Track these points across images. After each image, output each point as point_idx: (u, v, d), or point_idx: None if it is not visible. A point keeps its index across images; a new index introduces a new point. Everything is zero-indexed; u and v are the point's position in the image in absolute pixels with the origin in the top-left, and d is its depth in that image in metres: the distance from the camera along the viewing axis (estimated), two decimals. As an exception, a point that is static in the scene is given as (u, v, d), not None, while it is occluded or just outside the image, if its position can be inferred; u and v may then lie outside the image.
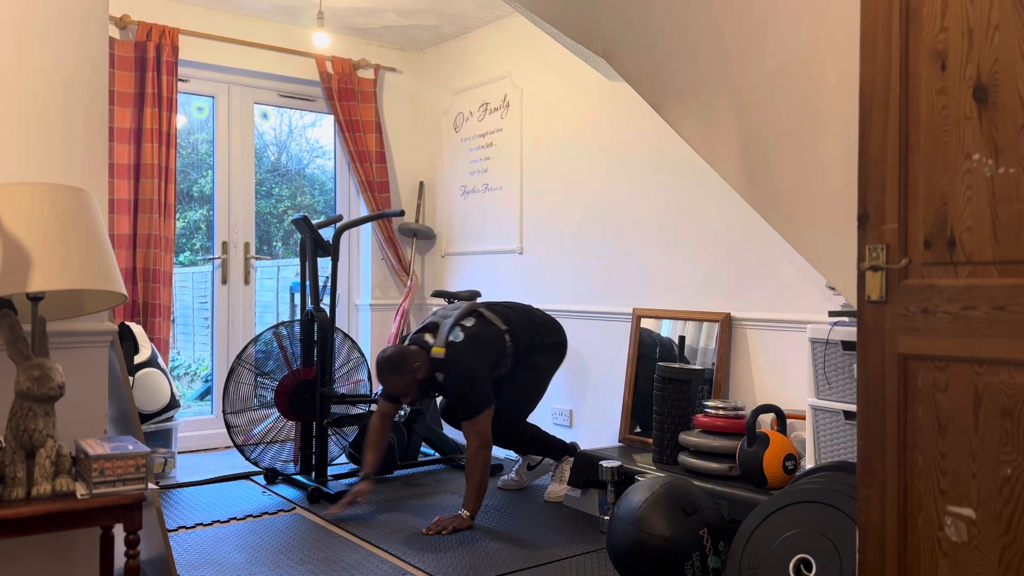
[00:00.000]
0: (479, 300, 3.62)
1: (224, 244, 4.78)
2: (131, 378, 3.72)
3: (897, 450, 1.55)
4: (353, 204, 5.25)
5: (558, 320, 3.96)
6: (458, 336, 3.34)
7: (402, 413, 4.20)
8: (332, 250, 3.93)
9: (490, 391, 3.29)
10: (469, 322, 3.41)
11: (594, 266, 4.09)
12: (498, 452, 4.57)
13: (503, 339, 3.44)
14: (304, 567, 2.78)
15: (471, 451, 3.23)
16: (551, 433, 3.89)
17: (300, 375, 3.90)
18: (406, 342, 3.45)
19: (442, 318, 3.46)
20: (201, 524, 3.27)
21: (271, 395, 3.94)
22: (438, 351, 3.32)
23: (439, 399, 4.49)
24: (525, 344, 3.51)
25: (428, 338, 3.39)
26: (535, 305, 4.42)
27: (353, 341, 4.32)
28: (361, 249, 5.26)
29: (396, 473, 4.15)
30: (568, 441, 4.01)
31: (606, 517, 3.16)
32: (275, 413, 4.00)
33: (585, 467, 3.36)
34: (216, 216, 4.76)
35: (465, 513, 3.21)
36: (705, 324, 3.47)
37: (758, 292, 3.33)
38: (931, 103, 1.52)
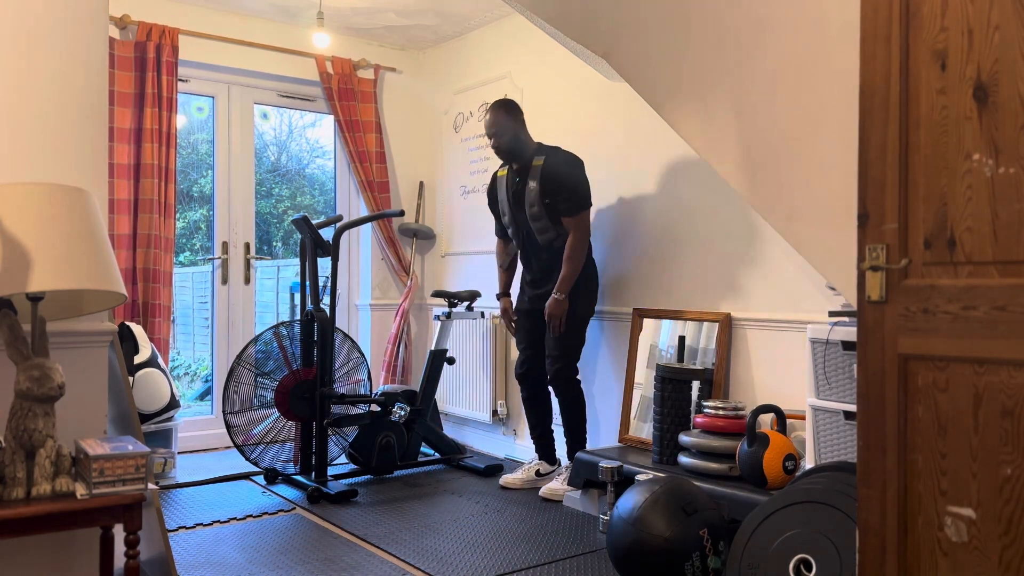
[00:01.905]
0: None
1: (224, 244, 4.78)
2: (131, 378, 3.71)
3: (897, 450, 1.55)
4: (353, 204, 5.25)
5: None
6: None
7: (402, 413, 4.20)
8: (332, 250, 3.93)
9: (586, 192, 3.61)
10: None
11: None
12: (498, 452, 4.57)
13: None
14: (304, 567, 2.78)
15: (574, 240, 3.56)
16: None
17: (300, 375, 3.90)
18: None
19: None
20: (201, 524, 3.27)
21: (271, 395, 3.94)
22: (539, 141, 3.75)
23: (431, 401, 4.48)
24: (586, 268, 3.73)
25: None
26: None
27: (353, 341, 4.32)
28: (361, 249, 5.26)
29: (396, 473, 4.15)
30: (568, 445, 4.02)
31: (606, 517, 3.16)
32: (275, 413, 4.00)
33: (585, 467, 3.36)
34: (216, 216, 4.76)
35: (559, 295, 3.56)
36: (705, 324, 3.47)
37: (758, 292, 3.33)
38: (931, 103, 1.52)
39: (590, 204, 3.62)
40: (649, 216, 3.81)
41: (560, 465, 3.87)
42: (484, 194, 4.81)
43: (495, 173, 3.92)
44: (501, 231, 3.98)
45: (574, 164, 3.63)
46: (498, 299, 4.02)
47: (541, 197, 3.60)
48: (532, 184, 3.62)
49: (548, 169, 3.60)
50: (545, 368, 3.75)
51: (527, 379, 3.81)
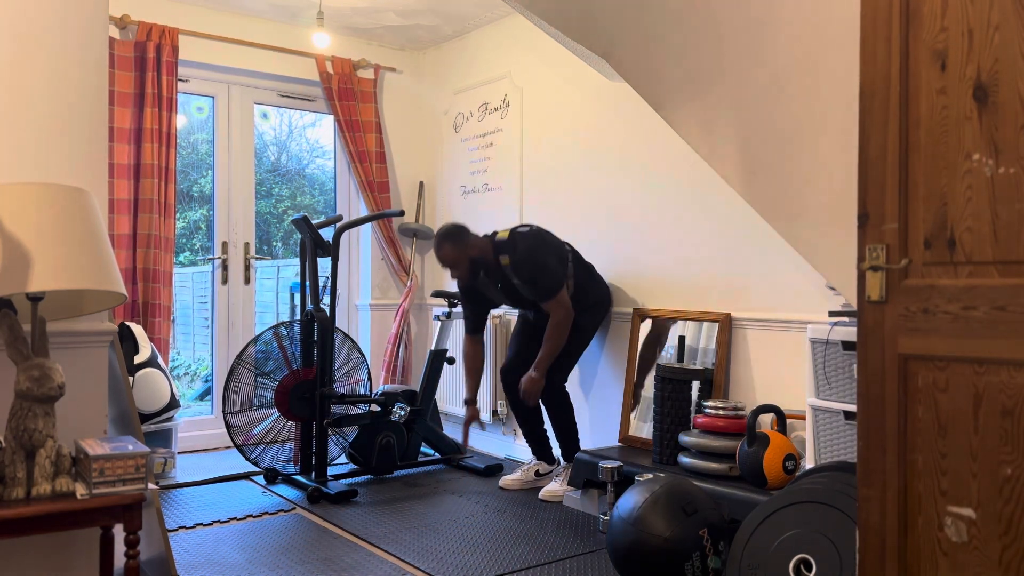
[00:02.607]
0: None
1: (224, 244, 4.78)
2: (131, 378, 3.71)
3: (897, 450, 1.55)
4: (353, 204, 5.25)
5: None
6: (525, 229, 3.56)
7: (401, 413, 4.20)
8: (332, 250, 3.93)
9: (560, 273, 3.48)
10: (533, 225, 3.63)
11: (594, 266, 4.09)
12: (498, 452, 4.57)
13: (566, 252, 3.61)
14: (304, 567, 2.78)
15: (555, 319, 3.46)
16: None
17: (300, 375, 3.90)
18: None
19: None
20: (201, 524, 3.27)
21: (271, 395, 3.94)
22: (503, 234, 3.55)
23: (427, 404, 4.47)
24: (581, 278, 3.65)
25: (496, 231, 3.64)
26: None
27: (353, 341, 4.32)
28: (361, 249, 5.26)
29: (396, 473, 4.15)
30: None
31: (606, 517, 3.16)
32: (275, 413, 4.00)
33: (585, 467, 3.36)
34: (216, 216, 4.76)
35: (535, 373, 3.48)
36: (705, 324, 3.47)
37: (758, 292, 3.33)
38: (931, 103, 1.52)
39: (563, 282, 3.50)
40: (649, 216, 3.81)
41: (559, 465, 3.87)
42: (484, 194, 4.81)
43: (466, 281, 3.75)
44: (474, 327, 3.76)
45: (536, 250, 3.48)
46: (465, 405, 3.75)
47: (525, 285, 3.54)
48: (516, 280, 3.54)
49: (516, 266, 3.49)
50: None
51: (507, 381, 3.82)
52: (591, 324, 3.71)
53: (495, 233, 3.61)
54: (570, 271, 3.61)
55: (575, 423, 3.74)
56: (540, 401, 3.70)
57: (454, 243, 3.51)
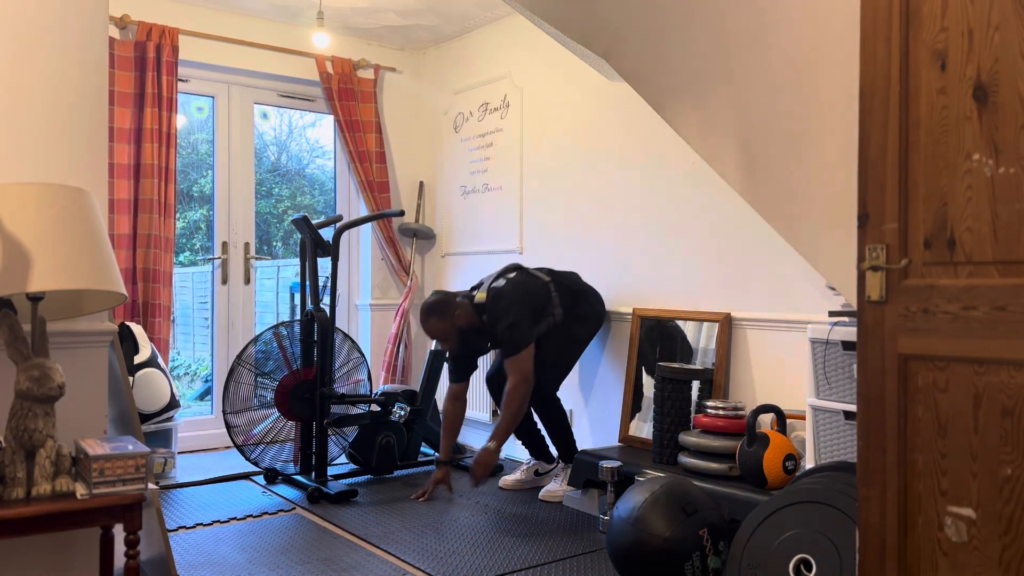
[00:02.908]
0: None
1: (224, 244, 4.78)
2: (131, 378, 3.71)
3: (897, 450, 1.55)
4: (353, 204, 5.25)
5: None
6: (501, 283, 3.50)
7: (401, 413, 4.20)
8: (332, 250, 3.93)
9: (531, 331, 3.42)
10: (512, 274, 3.56)
11: (594, 266, 4.09)
12: (498, 452, 4.57)
13: (547, 289, 3.59)
14: (304, 567, 2.78)
15: (511, 385, 3.34)
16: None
17: (300, 375, 3.90)
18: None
19: (488, 277, 3.63)
20: (201, 524, 3.27)
21: (271, 395, 3.94)
22: (481, 296, 3.49)
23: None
24: (569, 299, 3.64)
25: (474, 292, 3.57)
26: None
27: (353, 341, 4.32)
28: (361, 249, 5.26)
29: (396, 473, 4.15)
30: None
31: (606, 517, 3.16)
32: (275, 413, 4.00)
33: (585, 467, 3.36)
34: (216, 216, 4.76)
35: (492, 444, 3.33)
36: (705, 324, 3.47)
37: (758, 292, 3.33)
38: (931, 103, 1.52)
39: (529, 341, 3.38)
40: (649, 216, 3.81)
41: (559, 464, 3.86)
42: (484, 194, 4.81)
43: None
44: (460, 374, 3.64)
45: (509, 308, 3.39)
46: (437, 467, 3.57)
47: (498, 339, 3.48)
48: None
49: (492, 324, 3.44)
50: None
51: (492, 388, 3.82)
52: (585, 334, 3.68)
53: (473, 295, 3.53)
54: (555, 301, 3.58)
55: (569, 427, 3.72)
56: (532, 408, 3.67)
57: (440, 317, 3.45)
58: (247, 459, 3.90)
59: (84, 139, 2.27)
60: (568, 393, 4.22)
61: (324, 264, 5.03)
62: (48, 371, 1.94)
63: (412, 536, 3.11)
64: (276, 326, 4.02)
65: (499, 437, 3.35)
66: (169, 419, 3.83)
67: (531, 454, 3.85)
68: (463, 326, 3.49)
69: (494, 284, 3.50)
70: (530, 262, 4.48)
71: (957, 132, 1.49)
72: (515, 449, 4.47)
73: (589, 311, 3.68)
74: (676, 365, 3.28)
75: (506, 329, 3.37)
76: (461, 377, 3.64)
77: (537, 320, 3.53)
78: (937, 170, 1.51)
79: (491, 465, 3.33)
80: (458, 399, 3.63)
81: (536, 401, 3.63)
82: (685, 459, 3.07)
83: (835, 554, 2.02)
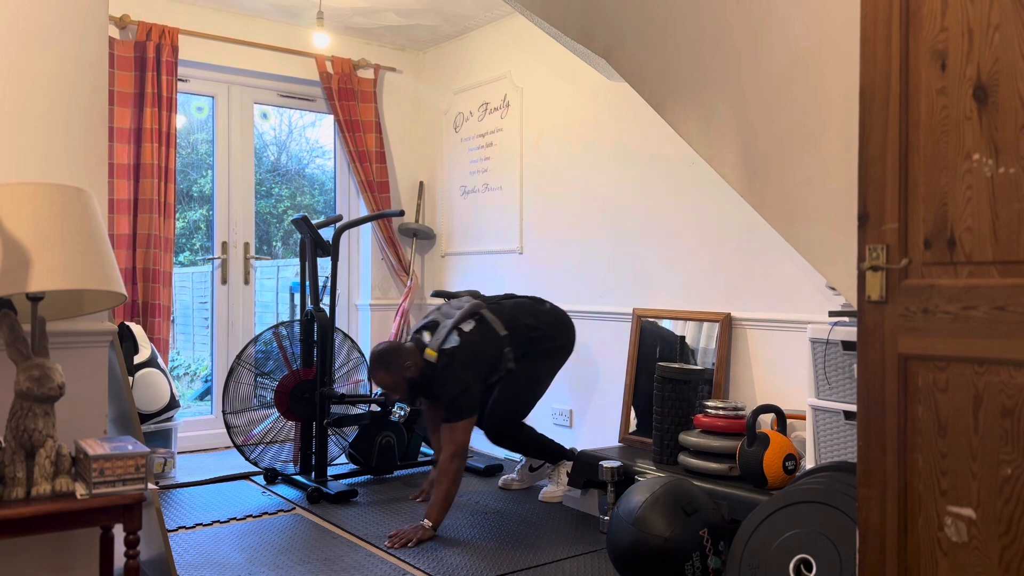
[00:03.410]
0: (484, 296, 3.62)
1: (224, 244, 4.78)
2: (131, 378, 3.71)
3: (897, 450, 1.55)
4: (353, 204, 5.25)
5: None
6: (454, 341, 3.27)
7: (401, 413, 4.20)
8: (332, 250, 3.93)
9: (475, 401, 3.22)
10: (468, 326, 3.33)
11: (594, 266, 4.09)
12: (498, 452, 4.57)
13: (501, 347, 3.37)
14: (304, 567, 2.78)
15: (444, 457, 3.13)
16: (548, 436, 3.88)
17: (300, 375, 3.90)
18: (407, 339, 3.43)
19: (444, 316, 3.40)
20: (201, 524, 3.27)
21: (271, 395, 3.94)
22: (431, 354, 3.27)
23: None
24: (526, 347, 3.44)
25: (426, 336, 3.35)
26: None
27: (353, 341, 4.32)
28: (361, 249, 5.26)
29: (396, 473, 4.15)
30: (567, 446, 4.01)
31: (606, 517, 3.16)
32: (275, 413, 4.00)
33: (585, 467, 3.36)
34: (216, 216, 4.76)
35: (428, 523, 3.09)
36: (705, 324, 3.47)
37: (758, 292, 3.33)
38: (931, 103, 1.52)
39: (469, 415, 3.18)
40: (649, 216, 3.81)
41: (545, 465, 3.82)
42: (484, 194, 4.81)
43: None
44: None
45: (455, 379, 3.20)
46: (434, 467, 3.54)
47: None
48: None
49: (439, 387, 3.25)
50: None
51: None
52: (548, 372, 3.53)
53: (424, 344, 3.32)
54: (507, 356, 3.37)
55: (543, 437, 3.62)
56: (501, 438, 3.55)
57: (387, 369, 3.25)
58: (247, 459, 3.89)
59: (84, 139, 2.27)
60: (568, 393, 4.22)
61: (324, 264, 5.03)
62: (48, 371, 1.94)
63: (412, 536, 3.11)
64: (276, 326, 4.02)
65: (435, 517, 3.10)
66: (169, 419, 3.83)
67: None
68: (412, 378, 3.29)
69: (445, 345, 3.27)
70: (530, 262, 4.48)
71: (957, 132, 1.48)
72: (515, 449, 4.47)
73: (550, 347, 3.50)
74: (676, 365, 3.27)
75: (450, 398, 3.18)
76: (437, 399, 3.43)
77: (486, 378, 3.37)
78: (937, 170, 1.51)
79: (420, 541, 3.04)
80: (436, 406, 3.56)
81: (500, 437, 3.53)
82: (685, 459, 3.07)
83: (835, 554, 2.02)
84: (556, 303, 4.31)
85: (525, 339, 3.44)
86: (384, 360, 3.26)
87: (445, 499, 3.12)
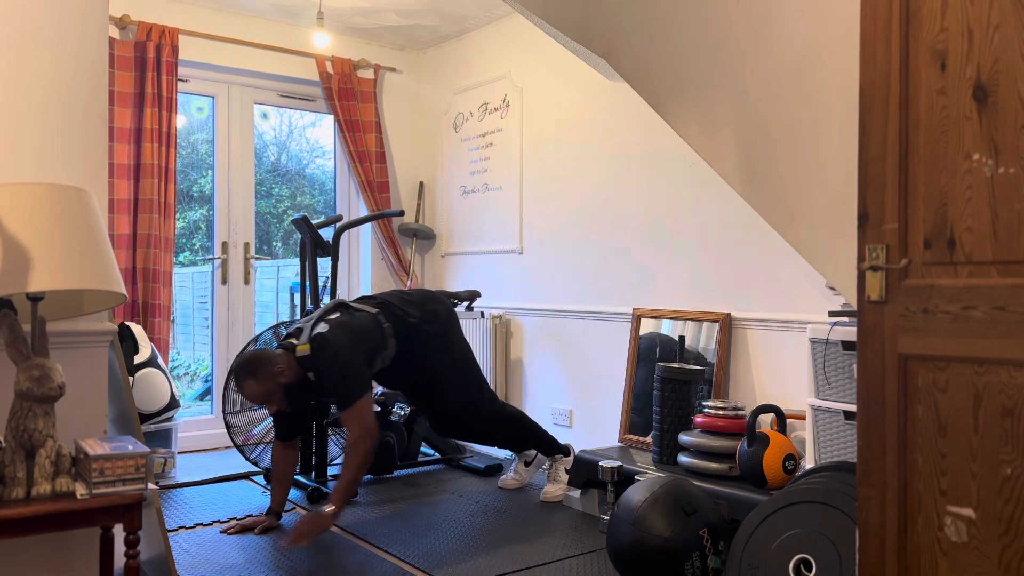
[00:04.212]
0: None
1: (224, 244, 4.78)
2: (131, 378, 3.71)
3: (897, 450, 1.55)
4: (353, 204, 5.25)
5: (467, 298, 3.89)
6: (324, 328, 3.06)
7: (401, 413, 4.19)
8: (332, 250, 3.93)
9: (365, 378, 3.00)
10: (334, 315, 3.14)
11: (594, 266, 4.09)
12: (498, 452, 4.57)
13: (377, 321, 3.19)
14: (304, 567, 2.78)
15: (351, 439, 2.90)
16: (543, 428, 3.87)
17: (300, 375, 3.89)
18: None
19: (307, 321, 3.19)
20: (201, 524, 3.27)
21: (271, 395, 3.94)
22: (303, 348, 3.02)
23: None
24: (417, 318, 3.31)
25: (293, 341, 3.11)
26: (535, 306, 4.42)
27: (353, 341, 4.31)
28: (361, 249, 5.26)
29: (396, 473, 4.15)
30: (563, 443, 4.01)
31: (606, 517, 3.16)
32: (275, 413, 4.00)
33: (585, 467, 3.36)
34: (216, 216, 4.76)
35: (328, 509, 2.82)
36: (705, 324, 3.47)
37: (758, 292, 3.33)
38: (931, 103, 1.52)
39: (363, 392, 2.95)
40: (649, 216, 3.81)
41: (537, 456, 3.81)
42: (484, 194, 4.81)
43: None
44: (285, 433, 3.24)
45: (337, 357, 2.96)
46: (266, 515, 3.21)
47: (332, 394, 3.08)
48: (327, 392, 3.11)
49: (320, 378, 3.02)
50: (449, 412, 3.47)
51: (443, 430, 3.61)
52: (453, 333, 3.43)
53: (293, 347, 3.06)
54: (387, 331, 3.22)
55: (533, 424, 3.60)
56: (487, 434, 3.51)
57: (256, 377, 2.95)
58: (247, 459, 3.89)
59: (84, 139, 2.27)
60: (568, 393, 4.22)
61: (324, 264, 5.03)
62: (48, 371, 1.94)
63: (412, 536, 3.11)
64: (276, 326, 4.02)
65: (338, 502, 2.84)
66: (169, 419, 3.84)
67: (512, 450, 3.81)
68: (288, 383, 3.00)
69: (316, 332, 3.03)
70: (530, 262, 4.48)
71: (957, 132, 1.49)
72: (515, 449, 4.48)
73: (432, 312, 3.40)
74: (676, 365, 3.28)
75: (338, 381, 2.92)
76: (287, 435, 3.24)
77: (371, 360, 3.16)
78: (937, 170, 1.51)
79: (321, 530, 2.81)
80: (289, 448, 3.25)
81: (491, 430, 3.49)
82: (685, 459, 3.07)
83: (835, 554, 2.02)
84: (556, 303, 4.31)
85: (401, 309, 3.29)
86: (250, 369, 2.95)
87: (353, 481, 2.88)
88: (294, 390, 3.04)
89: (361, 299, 3.35)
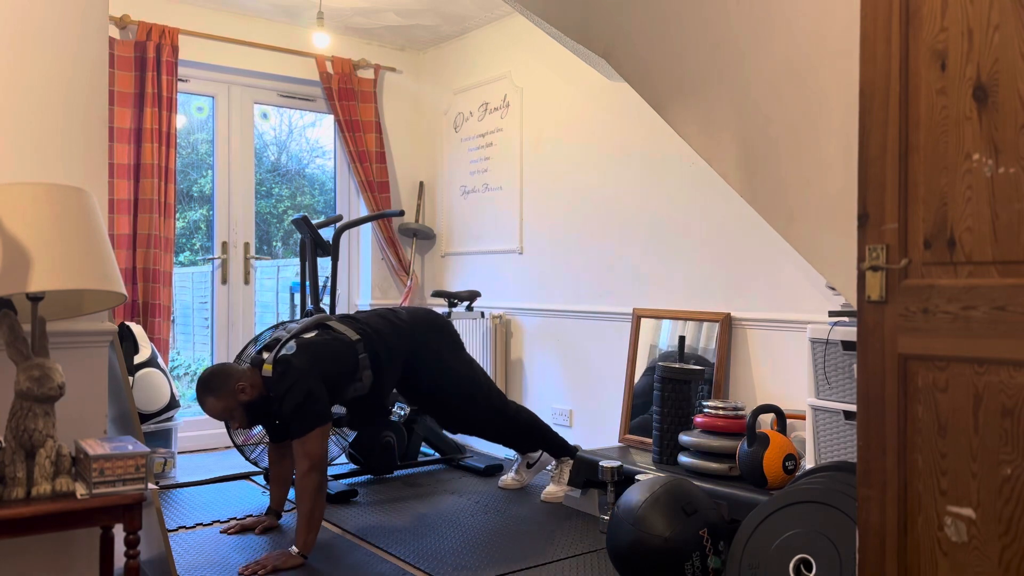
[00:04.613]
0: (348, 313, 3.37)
1: (224, 244, 4.78)
2: (131, 378, 3.71)
3: (897, 450, 1.55)
4: (353, 204, 5.25)
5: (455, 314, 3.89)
6: (291, 349, 2.94)
7: (401, 413, 4.19)
8: (332, 250, 3.93)
9: (323, 409, 2.85)
10: (310, 334, 3.03)
11: (594, 266, 4.09)
12: (498, 452, 4.57)
13: (354, 350, 3.07)
14: (304, 567, 2.78)
15: (299, 474, 2.80)
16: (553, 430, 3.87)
17: (300, 375, 3.89)
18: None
19: (289, 333, 3.08)
20: (201, 524, 3.27)
21: (271, 395, 3.93)
22: (267, 368, 2.91)
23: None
24: (406, 348, 3.26)
25: (265, 355, 2.99)
26: (533, 306, 4.42)
27: (353, 341, 4.31)
28: (361, 249, 5.26)
29: (396, 473, 4.15)
30: (570, 444, 4.00)
31: (606, 517, 3.16)
32: (275, 413, 4.00)
33: (585, 467, 3.36)
34: (216, 216, 4.76)
35: (294, 550, 2.76)
36: (705, 324, 3.47)
37: (758, 292, 3.33)
38: (931, 103, 1.52)
39: (316, 424, 2.82)
40: (649, 216, 3.81)
41: (542, 454, 3.81)
42: (484, 194, 4.81)
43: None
44: (275, 436, 3.23)
45: (292, 390, 2.83)
46: (266, 515, 3.23)
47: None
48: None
49: (277, 401, 2.89)
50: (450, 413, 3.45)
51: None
52: (452, 346, 3.42)
53: (261, 364, 2.96)
54: (362, 363, 3.10)
55: (543, 425, 3.61)
56: (497, 432, 3.51)
57: (215, 394, 2.87)
58: (247, 459, 3.89)
59: (84, 139, 2.27)
60: (568, 393, 4.22)
61: (324, 264, 5.03)
62: (48, 371, 1.94)
63: (412, 536, 3.11)
64: (276, 326, 4.02)
65: (300, 542, 2.78)
66: (169, 419, 3.84)
67: (517, 451, 3.81)
68: (250, 401, 2.91)
69: (282, 354, 2.91)
70: (530, 262, 4.48)
71: (957, 132, 1.49)
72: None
73: (435, 319, 3.41)
74: (676, 365, 3.28)
75: (295, 410, 2.80)
76: (278, 439, 3.22)
77: (340, 388, 3.05)
78: (937, 170, 1.51)
79: (287, 567, 2.73)
80: (283, 448, 3.22)
81: (502, 431, 3.49)
82: (685, 459, 3.07)
83: (835, 554, 2.02)
84: (556, 303, 4.31)
85: (388, 339, 3.20)
86: (210, 385, 2.87)
87: (311, 520, 2.78)
88: (256, 408, 2.95)
89: (345, 319, 3.22)
